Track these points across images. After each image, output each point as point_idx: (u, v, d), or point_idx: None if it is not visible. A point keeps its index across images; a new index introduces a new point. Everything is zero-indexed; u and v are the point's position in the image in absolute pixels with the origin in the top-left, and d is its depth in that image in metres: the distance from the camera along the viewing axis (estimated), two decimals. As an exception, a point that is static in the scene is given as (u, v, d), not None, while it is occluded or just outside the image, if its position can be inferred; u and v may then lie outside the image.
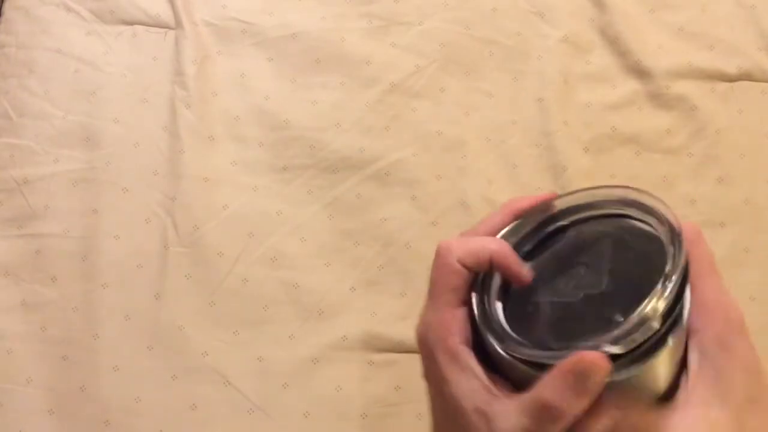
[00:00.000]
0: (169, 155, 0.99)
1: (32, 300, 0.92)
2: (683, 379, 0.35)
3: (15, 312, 0.92)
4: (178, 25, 1.07)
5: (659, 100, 1.02)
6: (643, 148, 1.00)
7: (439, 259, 0.38)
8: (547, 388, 0.33)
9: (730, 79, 1.03)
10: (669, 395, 0.35)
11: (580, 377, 0.32)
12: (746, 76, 1.04)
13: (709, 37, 1.06)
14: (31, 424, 0.87)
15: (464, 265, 0.37)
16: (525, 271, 0.38)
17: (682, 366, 0.35)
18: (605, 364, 0.32)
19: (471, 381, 0.35)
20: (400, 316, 0.91)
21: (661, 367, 0.34)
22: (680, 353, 0.35)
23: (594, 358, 0.32)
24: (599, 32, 1.07)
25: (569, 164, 0.98)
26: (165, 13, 1.08)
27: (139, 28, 1.08)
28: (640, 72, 1.04)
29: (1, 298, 0.92)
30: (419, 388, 0.95)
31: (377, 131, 1.00)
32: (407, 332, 0.89)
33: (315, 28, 1.07)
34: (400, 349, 0.89)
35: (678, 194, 0.98)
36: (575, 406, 0.32)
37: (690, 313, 0.35)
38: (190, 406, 0.88)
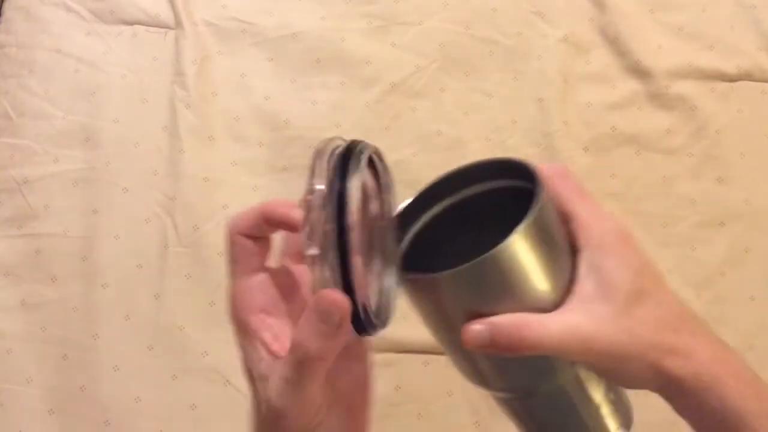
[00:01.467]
0: (169, 155, 0.99)
1: (32, 300, 0.92)
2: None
3: (15, 312, 0.92)
4: (178, 25, 1.07)
5: (659, 100, 1.02)
6: (643, 148, 1.00)
7: (226, 236, 0.38)
8: (299, 331, 0.33)
9: (730, 79, 1.03)
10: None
11: (323, 316, 0.33)
12: (746, 76, 1.04)
13: (709, 37, 1.06)
14: (31, 424, 0.87)
15: (245, 234, 0.37)
16: (294, 212, 0.38)
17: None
18: (344, 303, 0.32)
19: (258, 349, 0.36)
20: (401, 315, 0.91)
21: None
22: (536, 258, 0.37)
23: (334, 296, 0.32)
24: (599, 32, 1.07)
25: (569, 164, 0.98)
26: (165, 13, 1.08)
27: (139, 28, 1.08)
28: (640, 72, 1.04)
29: (1, 298, 0.92)
30: (419, 388, 0.95)
31: (377, 131, 1.00)
32: (407, 332, 0.89)
33: (315, 28, 1.07)
34: (400, 349, 0.89)
35: (678, 194, 0.98)
36: (320, 342, 0.33)
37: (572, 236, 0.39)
38: (190, 405, 0.88)
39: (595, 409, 0.42)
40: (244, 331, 0.36)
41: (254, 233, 0.37)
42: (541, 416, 0.43)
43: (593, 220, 0.38)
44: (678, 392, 0.37)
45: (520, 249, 0.36)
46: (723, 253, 0.94)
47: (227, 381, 0.88)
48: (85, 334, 0.90)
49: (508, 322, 0.36)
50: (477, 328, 0.37)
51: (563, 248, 0.38)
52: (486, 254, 0.35)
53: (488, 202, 0.41)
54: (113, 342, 0.90)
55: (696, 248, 0.95)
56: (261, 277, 0.38)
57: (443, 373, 0.86)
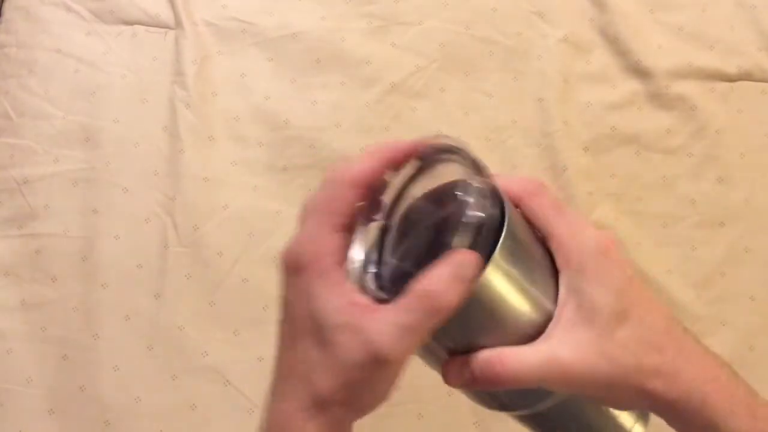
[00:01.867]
0: (169, 155, 0.99)
1: (32, 300, 0.92)
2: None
3: (15, 312, 0.92)
4: (178, 25, 1.07)
5: (659, 100, 1.02)
6: (643, 148, 1.00)
7: (330, 181, 0.37)
8: (427, 279, 0.34)
9: (730, 79, 1.03)
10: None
11: (460, 269, 0.34)
12: (746, 76, 1.04)
13: (709, 37, 1.06)
14: (31, 424, 0.87)
15: (362, 183, 0.37)
16: (405, 146, 0.40)
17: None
18: (477, 258, 0.34)
19: (340, 298, 0.35)
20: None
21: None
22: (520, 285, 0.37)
23: (469, 253, 0.34)
24: (599, 32, 1.07)
25: (569, 164, 0.98)
26: (165, 13, 1.08)
27: (139, 28, 1.08)
28: (640, 72, 1.04)
29: (1, 298, 0.92)
30: (419, 388, 0.95)
31: (377, 131, 1.00)
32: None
33: (315, 28, 1.07)
34: (400, 349, 0.89)
35: (678, 194, 0.98)
36: (452, 294, 0.34)
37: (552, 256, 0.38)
38: (190, 406, 0.88)
39: (605, 409, 0.42)
40: (321, 278, 0.35)
41: (370, 181, 0.38)
42: (552, 428, 0.42)
43: (571, 239, 0.37)
44: (668, 413, 0.37)
45: (495, 283, 0.35)
46: (723, 253, 0.94)
47: (227, 381, 0.88)
48: (85, 334, 0.90)
49: (483, 359, 0.36)
50: (455, 367, 0.37)
51: (542, 271, 0.38)
52: None
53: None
54: (113, 342, 0.90)
55: (696, 248, 0.95)
56: (343, 236, 0.37)
57: (443, 373, 0.86)
